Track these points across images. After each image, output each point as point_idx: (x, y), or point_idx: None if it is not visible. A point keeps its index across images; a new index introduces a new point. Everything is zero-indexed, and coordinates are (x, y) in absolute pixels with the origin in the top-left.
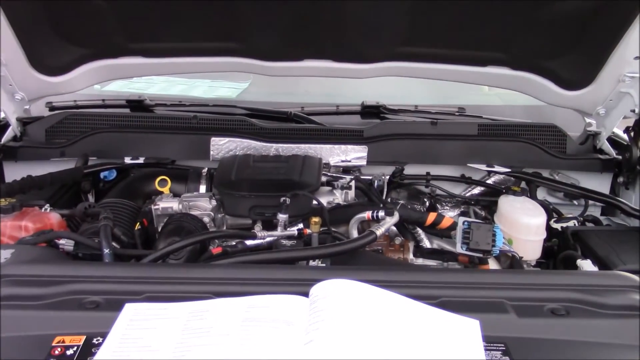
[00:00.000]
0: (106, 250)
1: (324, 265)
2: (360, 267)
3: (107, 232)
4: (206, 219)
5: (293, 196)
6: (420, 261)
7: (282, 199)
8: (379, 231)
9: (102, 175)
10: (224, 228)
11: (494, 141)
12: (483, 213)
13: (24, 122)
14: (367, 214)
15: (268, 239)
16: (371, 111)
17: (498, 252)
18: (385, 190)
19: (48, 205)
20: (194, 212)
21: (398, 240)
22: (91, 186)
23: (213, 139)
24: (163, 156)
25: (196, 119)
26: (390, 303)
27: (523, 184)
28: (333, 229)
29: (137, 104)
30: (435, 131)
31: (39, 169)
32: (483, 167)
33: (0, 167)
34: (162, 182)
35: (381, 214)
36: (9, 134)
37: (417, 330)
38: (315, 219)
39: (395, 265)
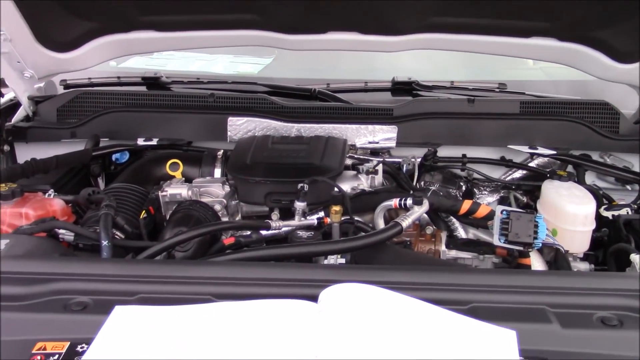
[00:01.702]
0: (104, 242)
1: (341, 262)
2: (378, 267)
3: (108, 222)
4: (217, 207)
5: (312, 182)
6: (453, 253)
7: (299, 186)
8: (405, 222)
9: (114, 157)
10: (239, 216)
11: (538, 120)
12: (525, 199)
13: (36, 101)
14: (394, 202)
15: (284, 229)
16: (402, 88)
17: (540, 244)
18: (416, 174)
19: (52, 190)
20: (205, 199)
21: (429, 230)
22: (101, 169)
23: (230, 118)
24: (178, 137)
25: (213, 97)
26: (411, 311)
27: (570, 168)
28: (357, 218)
29: (153, 82)
30: (473, 109)
31: (50, 151)
32: (525, 149)
33: (11, 148)
34: (174, 166)
35: (409, 201)
36: (20, 114)
37: (443, 344)
38: (336, 208)
39: (420, 262)
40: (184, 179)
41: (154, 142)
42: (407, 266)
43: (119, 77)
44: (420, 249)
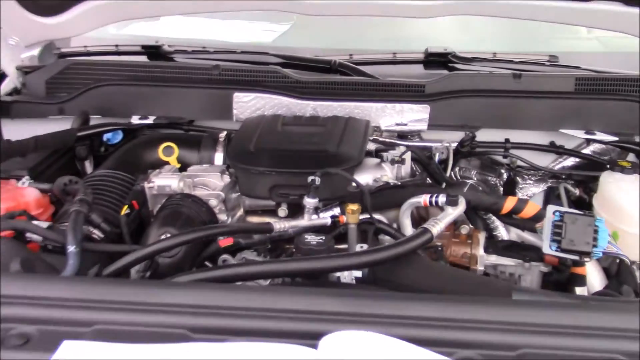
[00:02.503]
0: (70, 248)
1: (357, 275)
2: (401, 297)
3: (77, 222)
4: (213, 202)
5: (325, 175)
6: (493, 259)
7: (309, 179)
8: (436, 228)
9: (105, 137)
10: (240, 211)
11: (597, 100)
12: (577, 192)
13: (25, 71)
14: (424, 199)
15: (292, 230)
16: (437, 60)
17: (601, 254)
18: (450, 163)
19: (27, 177)
20: (200, 192)
21: (465, 230)
22: (88, 152)
23: (236, 94)
24: (177, 115)
25: (218, 69)
26: None
27: (632, 157)
28: (379, 217)
29: (154, 50)
30: (519, 86)
31: (38, 128)
32: (581, 133)
33: None
34: (168, 150)
35: (442, 199)
36: (7, 85)
37: None
38: (353, 207)
39: (456, 282)
40: (179, 165)
41: (150, 120)
42: (438, 296)
43: (117, 46)
44: (453, 252)
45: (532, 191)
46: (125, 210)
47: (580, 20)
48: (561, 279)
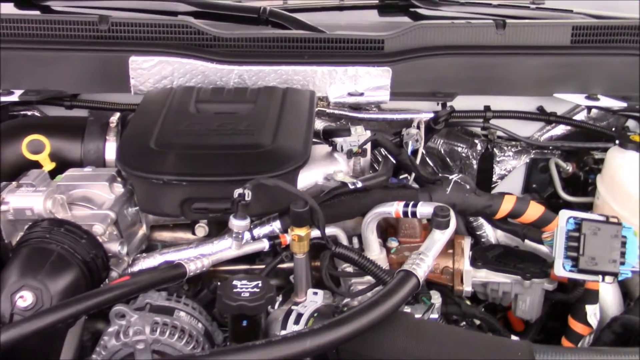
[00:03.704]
0: None
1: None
2: None
3: None
4: (98, 229)
5: (256, 186)
6: (482, 275)
7: (236, 193)
8: (422, 268)
9: None
10: (141, 229)
11: (600, 55)
12: (569, 168)
13: None
14: (396, 209)
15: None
16: (395, 4)
17: (630, 274)
18: (421, 145)
19: None
20: (80, 213)
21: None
22: None
23: (133, 58)
24: (54, 88)
25: (107, 22)
26: None
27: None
28: (334, 232)
29: None
30: (503, 40)
31: None
32: (580, 98)
33: None
34: (34, 145)
35: (423, 209)
36: None
37: None
38: (300, 232)
39: (458, 348)
40: (52, 166)
41: (16, 96)
42: None
43: None
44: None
45: (511, 165)
46: None
47: None
48: (568, 300)
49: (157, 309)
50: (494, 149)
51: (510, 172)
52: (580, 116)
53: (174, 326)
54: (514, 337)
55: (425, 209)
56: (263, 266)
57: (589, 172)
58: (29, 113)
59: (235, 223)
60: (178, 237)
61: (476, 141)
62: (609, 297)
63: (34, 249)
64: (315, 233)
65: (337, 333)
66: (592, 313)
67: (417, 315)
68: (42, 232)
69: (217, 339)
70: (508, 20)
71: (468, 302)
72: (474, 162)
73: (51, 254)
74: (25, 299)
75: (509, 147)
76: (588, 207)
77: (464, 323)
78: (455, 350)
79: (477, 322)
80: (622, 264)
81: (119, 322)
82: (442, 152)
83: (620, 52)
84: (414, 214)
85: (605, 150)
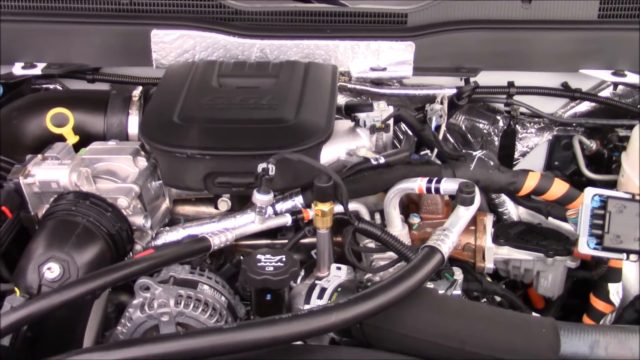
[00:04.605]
0: None
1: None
2: None
3: None
4: (122, 202)
5: (280, 161)
6: (505, 252)
7: (260, 168)
8: (447, 244)
9: None
10: (165, 203)
11: (625, 30)
12: (593, 145)
13: None
14: (419, 185)
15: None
16: None
17: None
18: (444, 123)
19: None
20: (105, 186)
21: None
22: None
23: (155, 31)
24: (77, 61)
25: None
26: None
27: None
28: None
29: None
30: (529, 14)
31: None
32: (606, 74)
33: None
34: (58, 118)
35: (446, 185)
36: None
37: None
38: (324, 207)
39: (478, 328)
40: (76, 140)
41: (38, 69)
42: None
43: None
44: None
45: (533, 142)
46: None
47: None
48: (591, 277)
49: (181, 282)
50: (517, 126)
51: (533, 149)
52: (606, 93)
53: (197, 299)
54: (534, 314)
55: (449, 185)
56: (285, 241)
57: (613, 149)
58: (52, 86)
59: (259, 197)
60: (200, 211)
61: (498, 117)
62: (632, 276)
63: (60, 221)
64: (338, 208)
65: (363, 308)
66: (615, 291)
67: (441, 291)
68: (68, 205)
69: (240, 312)
70: None
71: (489, 279)
72: (496, 138)
73: (77, 227)
74: (52, 270)
75: (532, 124)
76: (612, 185)
77: (485, 300)
78: (479, 326)
79: (498, 299)
80: None
81: (143, 295)
82: (464, 128)
83: None
84: (437, 190)
85: (630, 127)
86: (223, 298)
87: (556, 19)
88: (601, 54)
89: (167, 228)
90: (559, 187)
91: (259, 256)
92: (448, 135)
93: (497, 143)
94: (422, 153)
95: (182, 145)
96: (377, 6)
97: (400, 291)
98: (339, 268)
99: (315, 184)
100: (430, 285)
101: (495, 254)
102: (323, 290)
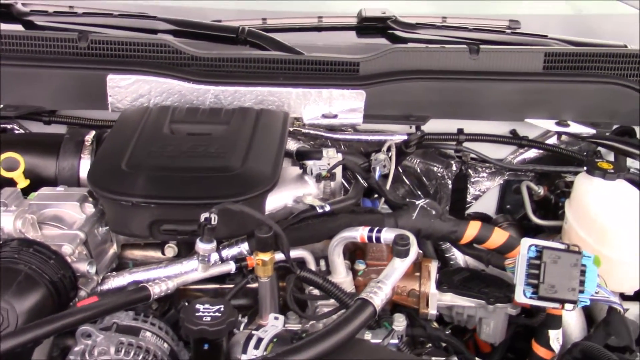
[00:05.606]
0: None
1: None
2: None
3: None
4: (66, 249)
5: (223, 210)
6: (447, 298)
7: (202, 217)
8: (379, 298)
9: None
10: (112, 248)
11: (569, 82)
12: (541, 191)
13: None
14: (361, 234)
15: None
16: (373, 26)
17: (589, 302)
18: (392, 169)
19: None
20: (51, 232)
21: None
22: None
23: (111, 76)
24: (32, 103)
25: (86, 39)
26: None
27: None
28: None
29: (3, 10)
30: (477, 65)
31: None
32: (550, 124)
33: None
34: (10, 162)
35: (386, 235)
36: None
37: None
38: (264, 256)
39: None
40: (26, 183)
41: None
42: None
43: None
44: (396, 289)
45: (485, 185)
46: None
47: None
48: (531, 324)
49: (124, 329)
50: (469, 170)
51: (485, 193)
52: (553, 140)
53: (138, 346)
54: None
55: (389, 235)
56: (232, 285)
57: (560, 195)
58: (9, 127)
59: (202, 246)
60: (149, 256)
61: (451, 162)
62: (572, 322)
63: (2, 269)
64: (282, 256)
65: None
66: (555, 338)
67: (377, 340)
68: (11, 252)
69: (183, 359)
70: (482, 46)
71: (435, 324)
72: (449, 182)
73: (19, 274)
74: None
75: (483, 169)
76: (558, 231)
77: (430, 345)
78: None
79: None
80: (582, 292)
81: (85, 342)
82: (419, 171)
83: (590, 79)
84: (378, 240)
85: (577, 174)
86: (166, 345)
87: (503, 70)
88: (545, 105)
89: (114, 273)
90: (498, 236)
91: (197, 305)
92: (404, 177)
93: (450, 186)
94: (373, 198)
95: (128, 193)
96: (331, 55)
97: (331, 343)
98: (276, 318)
99: (255, 234)
100: (368, 333)
101: (439, 300)
102: (260, 340)
